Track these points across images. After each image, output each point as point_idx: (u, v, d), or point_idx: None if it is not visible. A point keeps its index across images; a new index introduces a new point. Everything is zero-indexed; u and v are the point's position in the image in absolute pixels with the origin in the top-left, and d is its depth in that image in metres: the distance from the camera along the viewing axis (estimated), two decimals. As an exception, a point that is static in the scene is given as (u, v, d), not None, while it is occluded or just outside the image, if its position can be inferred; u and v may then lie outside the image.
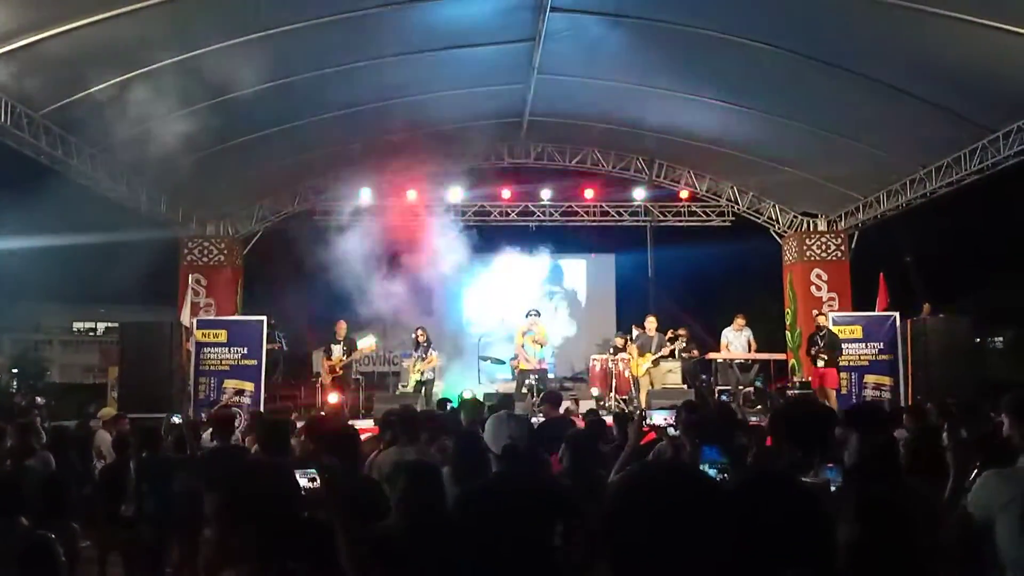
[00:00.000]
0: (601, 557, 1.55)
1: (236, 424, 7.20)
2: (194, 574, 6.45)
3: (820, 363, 13.41)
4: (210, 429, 7.17)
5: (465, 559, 3.31)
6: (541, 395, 11.01)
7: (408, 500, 3.40)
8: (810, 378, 13.97)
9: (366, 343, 15.10)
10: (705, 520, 1.54)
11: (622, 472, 3.34)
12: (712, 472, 3.43)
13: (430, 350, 14.55)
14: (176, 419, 9.36)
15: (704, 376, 14.65)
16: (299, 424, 7.17)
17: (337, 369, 14.07)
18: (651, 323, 14.61)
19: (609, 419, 8.74)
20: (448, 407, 9.81)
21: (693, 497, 1.57)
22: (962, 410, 5.85)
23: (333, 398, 13.51)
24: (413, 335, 14.82)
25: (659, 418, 3.56)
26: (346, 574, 3.08)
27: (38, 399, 12.82)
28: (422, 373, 14.31)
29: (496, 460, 3.97)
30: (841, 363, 13.91)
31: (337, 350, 14.24)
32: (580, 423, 8.14)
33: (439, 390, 15.15)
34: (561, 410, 8.69)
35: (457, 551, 3.31)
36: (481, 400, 10.34)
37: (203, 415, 11.27)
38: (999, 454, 3.32)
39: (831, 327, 13.92)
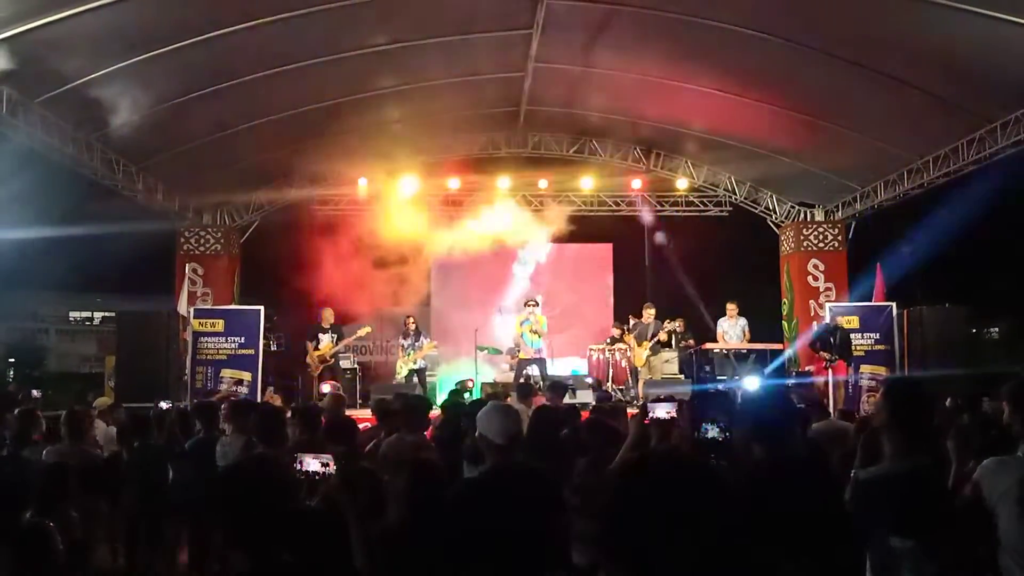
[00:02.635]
0: (604, 545, 1.55)
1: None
2: (192, 563, 6.48)
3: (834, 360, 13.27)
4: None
5: (462, 550, 3.31)
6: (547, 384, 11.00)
7: (410, 496, 3.39)
8: (811, 368, 13.93)
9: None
10: (705, 508, 1.54)
11: (620, 461, 3.35)
12: (715, 431, 3.38)
13: (421, 338, 14.54)
14: (165, 405, 9.32)
15: (707, 368, 14.65)
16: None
17: (328, 357, 13.83)
18: (649, 311, 14.64)
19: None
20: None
21: (693, 485, 1.57)
22: (964, 399, 5.86)
23: (326, 388, 13.34)
24: (403, 324, 14.82)
25: (662, 411, 3.49)
26: (344, 565, 3.08)
27: (34, 392, 12.76)
28: (415, 362, 14.27)
29: (491, 451, 3.94)
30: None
31: (325, 339, 13.93)
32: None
33: (435, 379, 15.19)
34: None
35: (455, 543, 3.31)
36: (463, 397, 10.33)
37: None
38: (999, 442, 3.33)
39: (843, 324, 13.74)
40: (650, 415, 3.52)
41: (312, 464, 3.15)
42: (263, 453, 4.70)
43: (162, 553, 6.70)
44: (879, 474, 3.07)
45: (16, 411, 6.79)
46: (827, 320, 13.85)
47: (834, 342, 13.23)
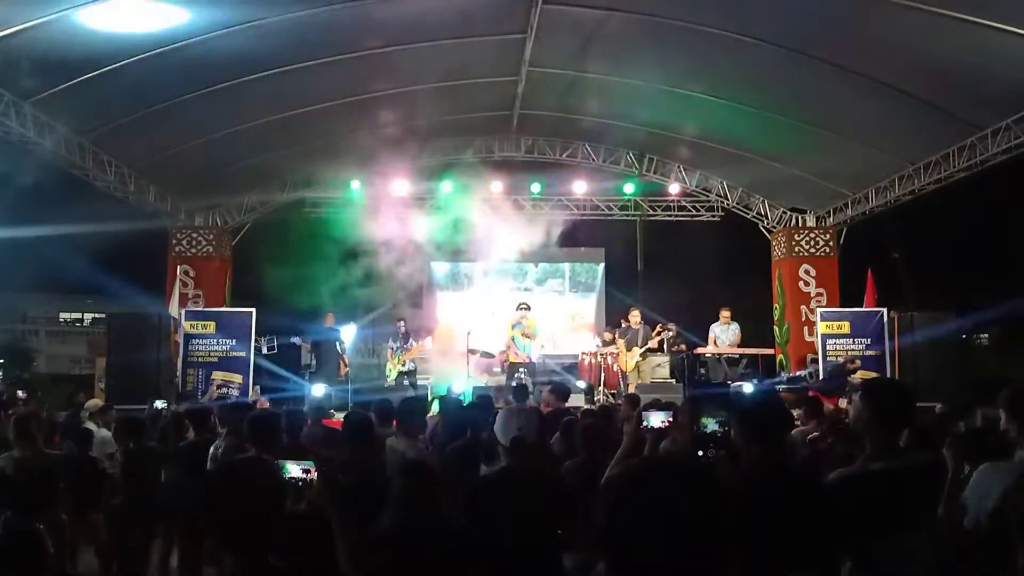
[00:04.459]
0: (601, 550, 1.55)
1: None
2: (183, 566, 6.45)
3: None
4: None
5: (473, 550, 3.31)
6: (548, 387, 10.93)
7: (406, 500, 3.38)
8: (801, 372, 14.00)
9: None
10: (704, 514, 1.54)
11: (620, 467, 3.35)
12: (713, 425, 3.40)
13: (410, 340, 14.60)
14: (160, 404, 9.29)
15: (703, 372, 14.68)
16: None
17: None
18: (635, 316, 14.67)
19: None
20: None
21: (693, 489, 1.57)
22: (958, 406, 5.89)
23: (319, 390, 13.34)
24: (395, 326, 14.92)
25: (657, 420, 3.49)
26: (332, 569, 3.07)
27: (20, 393, 12.67)
28: (404, 364, 14.32)
29: (504, 452, 3.98)
30: (828, 358, 14.08)
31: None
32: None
33: (428, 382, 15.17)
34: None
35: (462, 545, 3.31)
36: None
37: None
38: (996, 448, 3.34)
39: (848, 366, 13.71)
40: (645, 423, 3.52)
41: (294, 470, 3.16)
42: (253, 457, 4.68)
43: (153, 556, 6.67)
44: (847, 475, 3.08)
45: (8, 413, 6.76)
46: (834, 364, 13.82)
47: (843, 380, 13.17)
